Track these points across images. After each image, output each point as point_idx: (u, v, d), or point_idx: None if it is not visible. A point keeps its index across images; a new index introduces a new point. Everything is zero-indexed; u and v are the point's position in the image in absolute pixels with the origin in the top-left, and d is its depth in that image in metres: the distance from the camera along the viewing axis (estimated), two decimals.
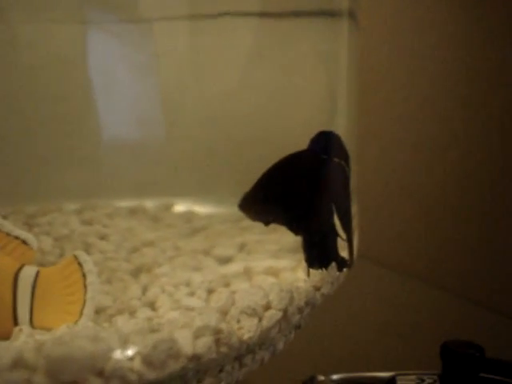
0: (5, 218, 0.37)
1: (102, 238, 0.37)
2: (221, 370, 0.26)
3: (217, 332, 0.25)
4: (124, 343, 0.23)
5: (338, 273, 0.31)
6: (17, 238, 0.31)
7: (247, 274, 0.34)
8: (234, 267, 0.35)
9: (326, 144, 0.30)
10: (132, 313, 0.32)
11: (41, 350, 0.22)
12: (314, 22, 0.34)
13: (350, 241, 0.31)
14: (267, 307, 0.27)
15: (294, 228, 0.30)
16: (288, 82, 0.35)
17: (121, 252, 0.36)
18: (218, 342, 0.25)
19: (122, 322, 0.30)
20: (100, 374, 0.22)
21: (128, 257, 0.36)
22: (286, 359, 0.31)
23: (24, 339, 0.27)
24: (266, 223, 0.29)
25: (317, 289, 0.30)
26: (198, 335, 0.25)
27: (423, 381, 0.32)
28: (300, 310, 0.28)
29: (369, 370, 0.33)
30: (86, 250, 0.35)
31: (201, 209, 0.41)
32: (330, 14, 0.34)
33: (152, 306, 0.32)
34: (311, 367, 0.34)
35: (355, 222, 0.33)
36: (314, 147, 0.29)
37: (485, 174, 0.49)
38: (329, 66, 0.35)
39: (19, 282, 0.30)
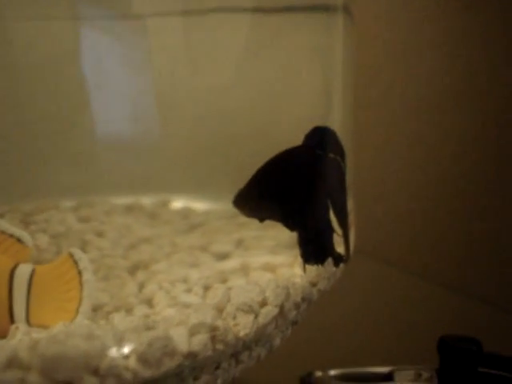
0: (1, 215, 0.37)
1: (99, 235, 0.37)
2: (217, 367, 0.26)
3: (213, 329, 0.25)
4: (119, 341, 0.23)
5: (334, 268, 0.31)
6: (12, 235, 0.31)
7: (244, 270, 0.34)
8: (231, 263, 0.35)
9: (321, 139, 0.30)
10: (129, 310, 0.32)
11: (35, 349, 0.22)
12: (309, 16, 0.34)
13: (345, 236, 0.31)
14: (263, 303, 0.27)
15: (290, 224, 0.30)
16: (283, 78, 0.35)
17: (118, 249, 0.36)
18: (213, 339, 0.25)
19: (119, 319, 0.30)
20: (95, 372, 0.22)
21: (125, 254, 0.36)
22: (283, 355, 0.31)
23: (20, 337, 0.27)
24: (261, 220, 0.29)
25: (313, 284, 0.30)
26: (193, 332, 0.24)
27: (421, 375, 0.32)
28: (296, 306, 0.28)
29: (366, 365, 0.33)
30: (82, 247, 0.35)
31: (198, 205, 0.41)
32: (325, 8, 0.34)
33: (149, 302, 0.32)
34: (309, 363, 0.34)
35: (351, 218, 0.33)
36: (309, 143, 0.29)
37: (480, 170, 0.49)
38: (324, 61, 0.34)
39: (15, 279, 0.30)
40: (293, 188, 0.29)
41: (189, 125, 0.37)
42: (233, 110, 0.36)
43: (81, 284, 0.31)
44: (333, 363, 0.34)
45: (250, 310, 0.26)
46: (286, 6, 0.34)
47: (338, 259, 0.31)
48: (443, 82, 0.51)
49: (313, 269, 0.30)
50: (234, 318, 0.26)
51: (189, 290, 0.33)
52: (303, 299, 0.29)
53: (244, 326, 0.26)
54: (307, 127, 0.30)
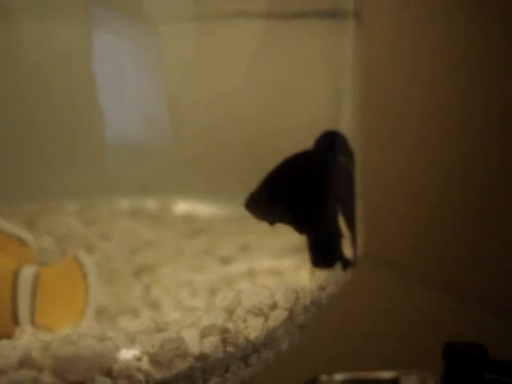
0: (4, 217, 0.37)
1: (103, 237, 0.37)
2: (227, 370, 0.26)
3: (223, 331, 0.25)
4: (131, 343, 0.23)
5: (342, 272, 0.31)
6: (16, 237, 0.31)
7: (250, 274, 0.34)
8: (237, 267, 0.35)
9: (331, 144, 0.30)
10: (134, 313, 0.32)
11: (48, 350, 0.22)
12: (320, 22, 0.34)
13: (354, 240, 0.31)
14: (273, 307, 0.27)
15: (300, 228, 0.30)
16: (293, 83, 0.35)
17: (122, 252, 0.36)
18: (224, 341, 0.25)
19: (125, 322, 0.30)
20: (108, 373, 0.22)
21: (129, 257, 0.36)
22: (289, 359, 0.31)
23: (27, 338, 0.27)
24: (272, 223, 0.29)
25: (322, 288, 0.30)
26: (204, 334, 0.24)
27: (426, 381, 0.32)
28: (305, 310, 0.28)
29: (372, 370, 0.33)
30: (87, 249, 0.35)
31: (202, 209, 0.41)
32: (336, 14, 0.34)
33: (154, 306, 0.32)
34: (314, 367, 0.34)
35: (359, 222, 0.33)
36: (319, 147, 0.29)
37: (485, 174, 0.49)
38: (334, 66, 0.35)
39: (19, 281, 0.30)
40: (303, 192, 0.29)
41: (196, 129, 0.37)
42: (242, 115, 0.36)
43: (86, 287, 0.31)
44: (338, 367, 0.34)
45: (260, 312, 0.26)
46: (298, 12, 0.34)
47: (346, 263, 0.31)
48: (447, 85, 0.51)
49: (321, 273, 0.30)
50: (245, 320, 0.26)
51: (194, 294, 0.33)
52: (312, 303, 0.29)
53: (254, 328, 0.26)
54: (317, 131, 0.30)
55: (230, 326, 0.25)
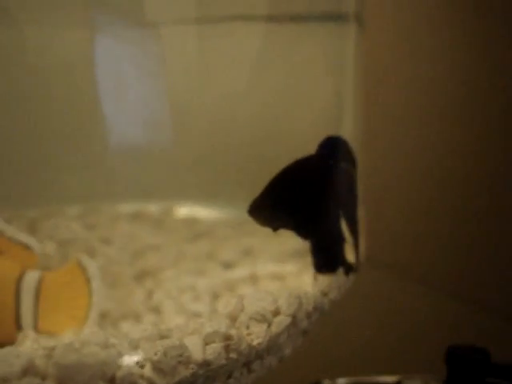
0: (7, 222, 0.37)
1: (105, 242, 0.37)
2: (229, 376, 0.26)
3: (226, 338, 0.25)
4: (134, 350, 0.23)
5: (345, 278, 0.31)
6: (19, 242, 0.31)
7: (252, 278, 0.34)
8: (239, 272, 0.35)
9: (333, 149, 0.30)
10: (137, 318, 0.32)
11: (51, 357, 0.22)
12: (322, 25, 0.34)
13: (356, 245, 0.31)
14: (276, 313, 0.27)
15: (303, 233, 0.30)
16: (295, 86, 0.35)
17: (124, 256, 0.36)
18: (227, 348, 0.25)
19: (128, 327, 0.30)
20: (111, 380, 0.22)
21: (131, 261, 0.36)
22: (291, 363, 0.31)
23: (30, 344, 0.27)
24: (275, 229, 0.29)
25: (324, 294, 0.30)
26: (207, 341, 0.24)
27: None
28: (308, 316, 0.28)
29: (374, 374, 0.33)
30: (88, 254, 0.35)
31: (204, 213, 0.41)
32: (337, 17, 0.34)
33: (156, 310, 0.32)
34: (316, 371, 0.34)
35: (361, 227, 0.33)
36: (322, 152, 0.29)
37: (485, 174, 0.49)
38: (336, 70, 0.35)
39: (22, 286, 0.30)
40: (306, 197, 0.29)
41: (198, 133, 0.37)
42: (244, 118, 0.37)
43: (89, 291, 0.31)
44: (340, 372, 0.34)
45: (263, 319, 0.26)
46: (300, 15, 0.34)
47: (348, 268, 0.31)
48: (447, 86, 0.51)
49: (324, 278, 0.30)
50: (248, 327, 0.26)
51: (196, 299, 0.33)
52: (315, 309, 0.29)
53: (257, 335, 0.26)
54: (319, 135, 0.30)
55: (232, 332, 0.25)
